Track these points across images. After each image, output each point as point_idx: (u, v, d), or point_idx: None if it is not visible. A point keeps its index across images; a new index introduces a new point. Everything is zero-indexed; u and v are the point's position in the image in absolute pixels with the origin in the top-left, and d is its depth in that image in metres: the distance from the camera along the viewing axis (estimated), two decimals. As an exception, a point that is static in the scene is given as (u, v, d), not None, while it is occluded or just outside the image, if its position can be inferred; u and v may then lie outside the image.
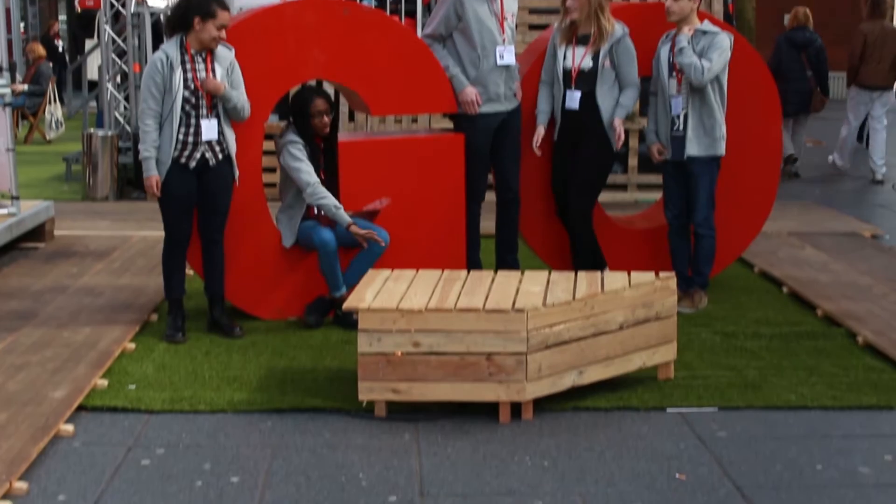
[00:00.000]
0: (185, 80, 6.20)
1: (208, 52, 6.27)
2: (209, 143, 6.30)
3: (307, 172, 6.52)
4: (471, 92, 6.88)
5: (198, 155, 6.29)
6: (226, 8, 6.29)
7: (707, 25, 6.85)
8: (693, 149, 6.86)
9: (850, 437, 5.13)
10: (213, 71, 6.26)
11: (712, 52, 6.72)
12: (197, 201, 6.39)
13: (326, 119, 6.64)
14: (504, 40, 6.94)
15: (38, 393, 5.47)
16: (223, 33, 6.25)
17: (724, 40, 6.77)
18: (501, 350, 5.12)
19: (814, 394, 5.63)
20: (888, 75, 12.58)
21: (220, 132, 6.33)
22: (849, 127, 12.94)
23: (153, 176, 6.22)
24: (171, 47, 6.24)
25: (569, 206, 7.09)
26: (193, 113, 6.23)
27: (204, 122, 6.25)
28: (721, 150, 6.91)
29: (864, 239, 9.35)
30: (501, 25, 6.94)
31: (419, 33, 7.02)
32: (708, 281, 7.16)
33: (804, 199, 11.32)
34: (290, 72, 6.74)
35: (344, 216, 6.54)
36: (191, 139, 6.26)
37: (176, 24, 6.29)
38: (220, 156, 6.37)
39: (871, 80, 12.54)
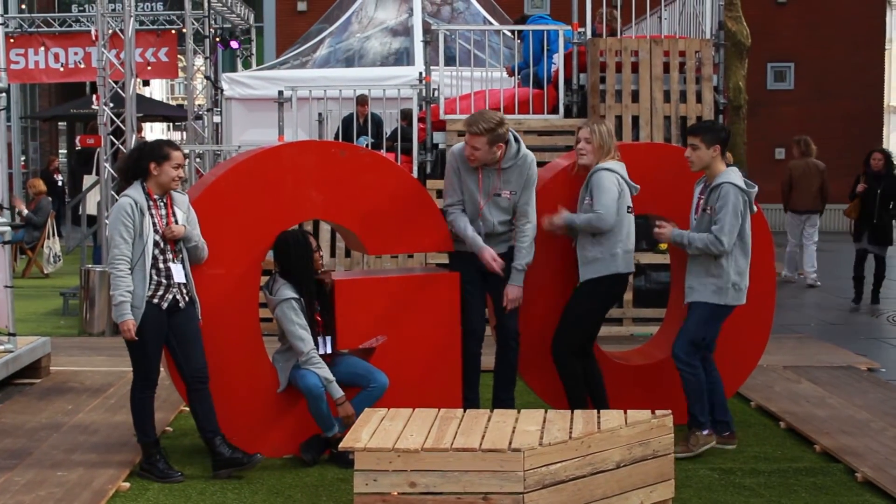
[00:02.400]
0: (154, 224, 6.28)
1: (168, 197, 6.37)
2: (179, 285, 6.37)
3: (304, 340, 6.54)
4: (488, 255, 6.91)
5: (169, 296, 6.34)
6: (177, 148, 6.44)
7: (724, 174, 6.76)
8: (694, 296, 6.79)
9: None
10: (174, 215, 6.37)
11: (720, 210, 6.64)
12: (170, 347, 6.42)
13: (321, 253, 6.75)
14: (481, 216, 6.97)
15: (31, 535, 5.41)
16: (181, 171, 6.37)
17: (729, 192, 6.65)
18: (498, 490, 5.09)
19: (814, 533, 5.58)
20: (814, 201, 14.93)
21: (186, 275, 6.41)
22: (790, 244, 15.36)
23: (129, 320, 6.20)
24: (136, 193, 6.30)
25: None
26: (161, 258, 6.31)
27: (172, 266, 6.33)
28: (726, 299, 6.76)
29: (860, 372, 9.34)
30: (480, 206, 6.95)
31: (440, 205, 7.07)
32: (701, 421, 6.83)
33: (800, 332, 11.36)
34: (288, 212, 6.83)
35: (336, 390, 6.55)
36: (164, 281, 6.32)
37: (131, 172, 6.38)
38: (188, 297, 6.44)
39: (800, 205, 15.00)
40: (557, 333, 7.07)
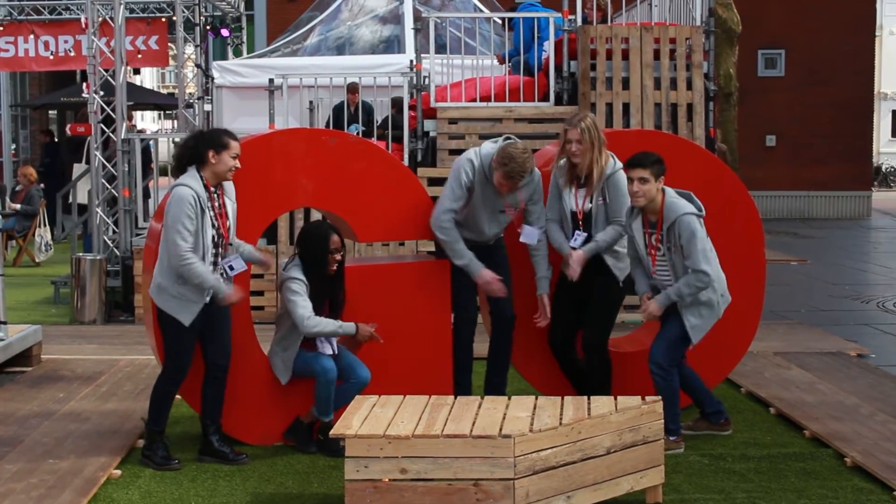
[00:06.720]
0: (212, 218, 6.24)
1: (220, 188, 6.32)
2: (221, 276, 6.37)
3: (302, 306, 6.51)
4: (486, 274, 6.91)
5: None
6: (236, 138, 6.37)
7: (669, 207, 6.52)
8: (700, 334, 6.68)
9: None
10: (225, 206, 6.33)
11: (688, 244, 6.45)
12: (203, 331, 6.42)
13: (338, 257, 6.62)
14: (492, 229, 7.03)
15: (23, 522, 5.42)
16: (237, 162, 6.31)
17: (690, 223, 6.47)
18: (489, 476, 5.11)
19: (803, 517, 5.61)
20: None
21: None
22: None
23: (229, 291, 6.30)
24: (196, 183, 6.19)
25: (584, 341, 7.09)
26: (213, 251, 6.28)
27: (222, 262, 6.34)
28: (719, 312, 6.73)
29: (850, 358, 9.38)
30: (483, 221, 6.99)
31: (440, 208, 6.97)
32: (670, 428, 6.49)
33: (790, 319, 11.40)
34: (279, 200, 6.84)
35: (349, 326, 6.60)
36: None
37: (187, 159, 6.29)
38: None
39: None
40: (598, 327, 7.07)
